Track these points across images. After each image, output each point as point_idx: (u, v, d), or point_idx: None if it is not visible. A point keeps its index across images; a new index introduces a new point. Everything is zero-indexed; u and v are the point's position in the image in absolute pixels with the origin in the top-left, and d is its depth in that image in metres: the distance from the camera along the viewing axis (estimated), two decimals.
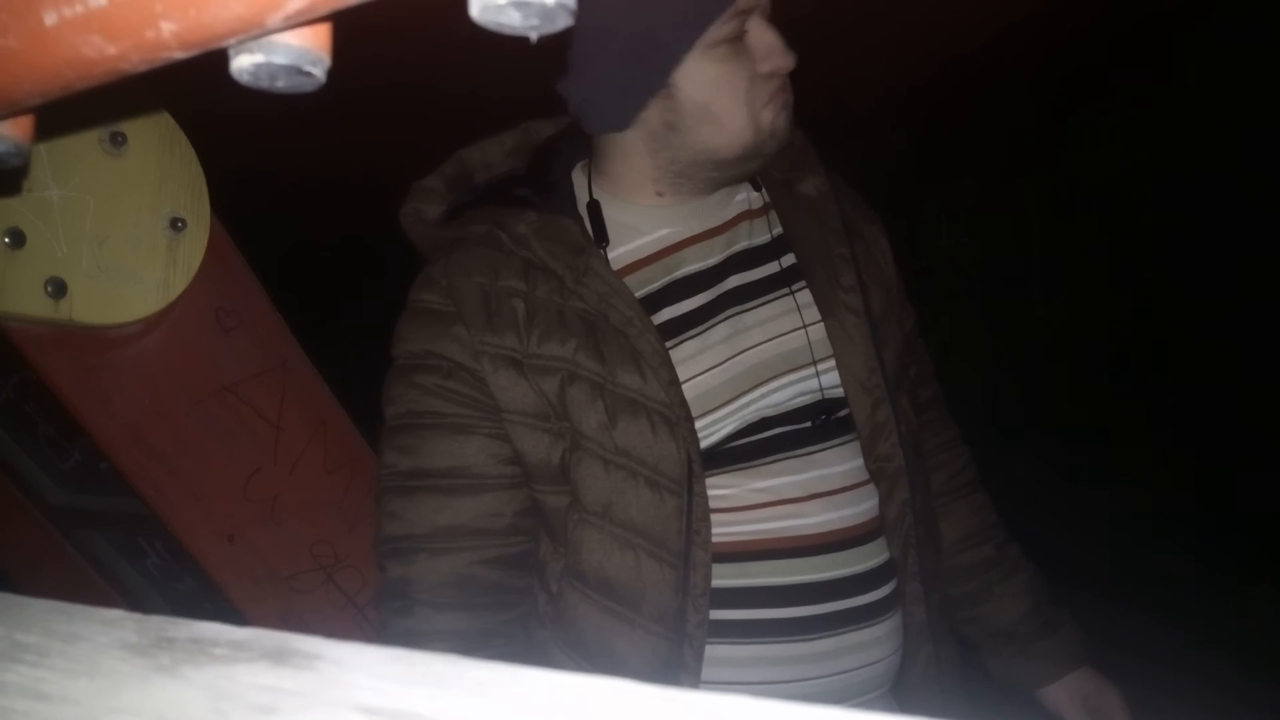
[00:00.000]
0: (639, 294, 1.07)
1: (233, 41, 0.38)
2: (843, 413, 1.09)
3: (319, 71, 0.39)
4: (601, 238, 1.09)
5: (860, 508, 1.08)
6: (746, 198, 1.16)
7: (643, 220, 1.12)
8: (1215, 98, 4.52)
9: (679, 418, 1.02)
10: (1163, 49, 4.15)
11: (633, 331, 1.03)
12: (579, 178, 1.16)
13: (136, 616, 0.36)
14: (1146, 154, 4.94)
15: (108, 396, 1.12)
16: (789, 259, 1.13)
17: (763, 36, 1.04)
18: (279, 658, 0.33)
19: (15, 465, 1.40)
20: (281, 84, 0.39)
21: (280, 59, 0.38)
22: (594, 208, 1.12)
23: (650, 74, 1.05)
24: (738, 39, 1.04)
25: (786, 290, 1.10)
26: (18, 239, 0.98)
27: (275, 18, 0.36)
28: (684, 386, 1.04)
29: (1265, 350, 4.38)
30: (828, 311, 1.10)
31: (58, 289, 1.01)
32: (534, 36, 0.36)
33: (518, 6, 0.33)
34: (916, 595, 1.10)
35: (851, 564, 1.05)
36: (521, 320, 1.04)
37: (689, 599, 1.01)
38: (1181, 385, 4.69)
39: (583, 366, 1.02)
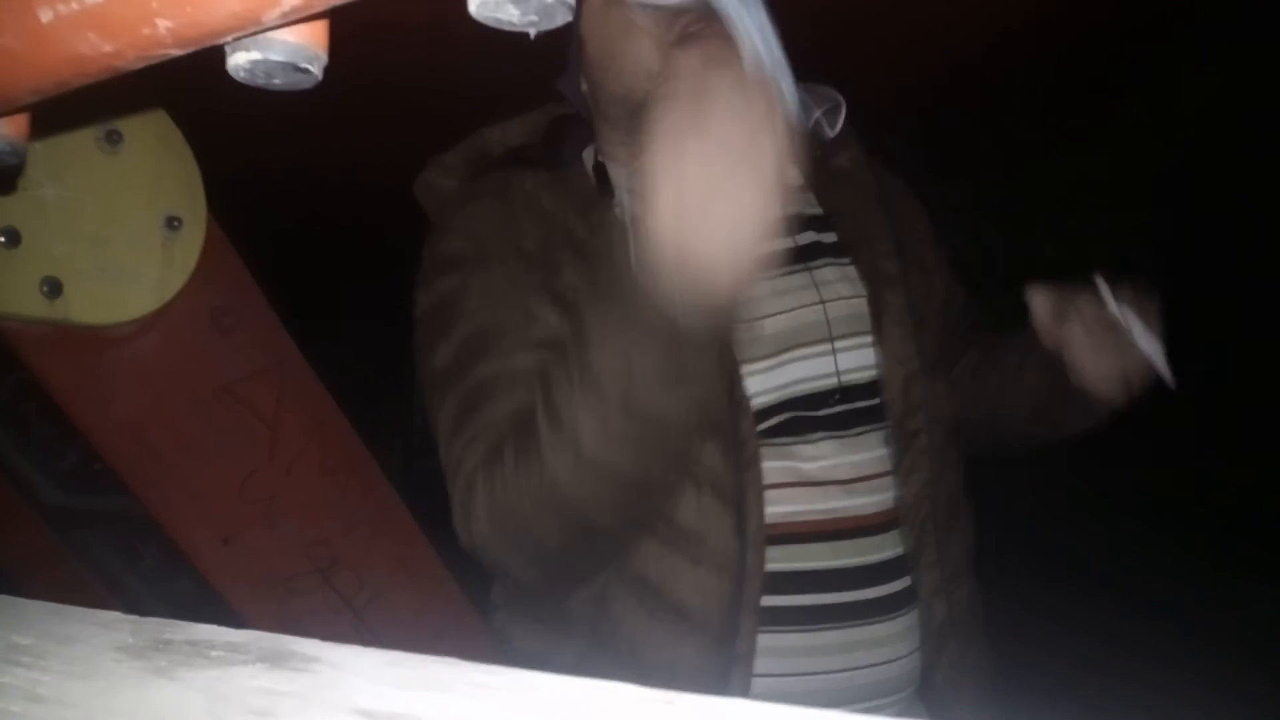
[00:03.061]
0: None
1: (229, 38, 0.38)
2: (871, 400, 1.06)
3: (316, 68, 0.39)
4: (608, 193, 1.08)
5: (875, 498, 1.05)
6: None
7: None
8: (1220, 99, 4.54)
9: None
10: (1168, 50, 4.17)
11: None
12: (588, 155, 1.16)
13: (133, 618, 0.36)
14: (1152, 155, 4.95)
15: (103, 396, 1.12)
16: (828, 236, 1.11)
17: None
18: (276, 660, 0.32)
19: (11, 465, 1.40)
20: (278, 81, 0.39)
21: (277, 56, 0.38)
22: (600, 169, 1.11)
23: (570, 35, 1.06)
24: None
25: (802, 265, 1.08)
26: (13, 238, 0.98)
27: (272, 14, 0.35)
28: None
29: (1266, 351, 4.39)
30: (868, 282, 1.08)
31: (53, 288, 1.01)
32: (533, 33, 0.35)
33: (516, 2, 0.33)
34: (934, 587, 1.06)
35: (860, 554, 1.03)
36: (546, 257, 1.02)
37: (748, 544, 0.98)
38: (1182, 385, 4.70)
39: None
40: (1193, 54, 4.22)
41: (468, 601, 1.44)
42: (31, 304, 1.00)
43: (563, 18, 0.34)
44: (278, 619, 1.26)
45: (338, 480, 1.31)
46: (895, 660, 1.04)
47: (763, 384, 1.03)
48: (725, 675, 0.98)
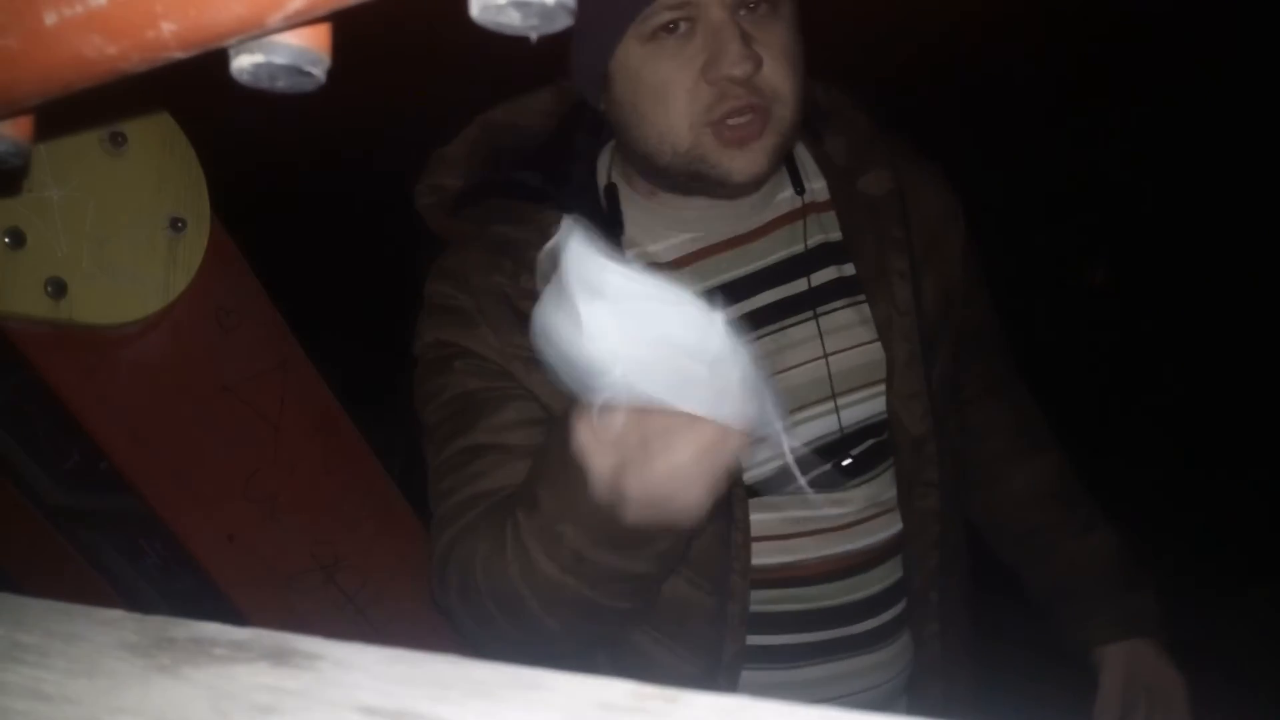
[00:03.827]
0: None
1: (233, 41, 0.38)
2: (873, 441, 1.03)
3: (319, 71, 0.39)
4: (616, 226, 1.00)
5: (876, 538, 1.03)
6: (790, 196, 1.04)
7: (656, 221, 1.02)
8: (1216, 100, 4.53)
9: None
10: (1163, 50, 4.16)
11: None
12: (605, 157, 1.07)
13: (137, 617, 0.36)
14: (1149, 155, 4.94)
15: (108, 396, 1.12)
16: (848, 268, 1.03)
17: (714, 34, 0.89)
18: (279, 658, 0.32)
19: (15, 465, 1.40)
20: (281, 84, 0.39)
21: (280, 59, 0.38)
22: (611, 192, 1.02)
23: (592, 62, 0.96)
24: (679, 30, 0.90)
25: (810, 314, 1.02)
26: (18, 239, 0.98)
27: (275, 18, 0.36)
28: None
29: (1264, 351, 4.38)
30: (882, 333, 1.01)
31: (58, 289, 1.01)
32: (534, 36, 0.36)
33: (518, 6, 0.34)
34: (933, 634, 1.06)
35: (855, 591, 1.02)
36: None
37: (726, 628, 0.97)
38: (1181, 385, 4.69)
39: None
40: (1188, 54, 4.21)
41: None
42: (36, 304, 1.01)
43: (563, 22, 0.34)
44: (281, 616, 1.26)
45: (340, 478, 1.31)
46: (881, 685, 1.04)
47: (760, 454, 0.97)
48: (710, 686, 0.98)
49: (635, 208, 1.02)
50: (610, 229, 0.99)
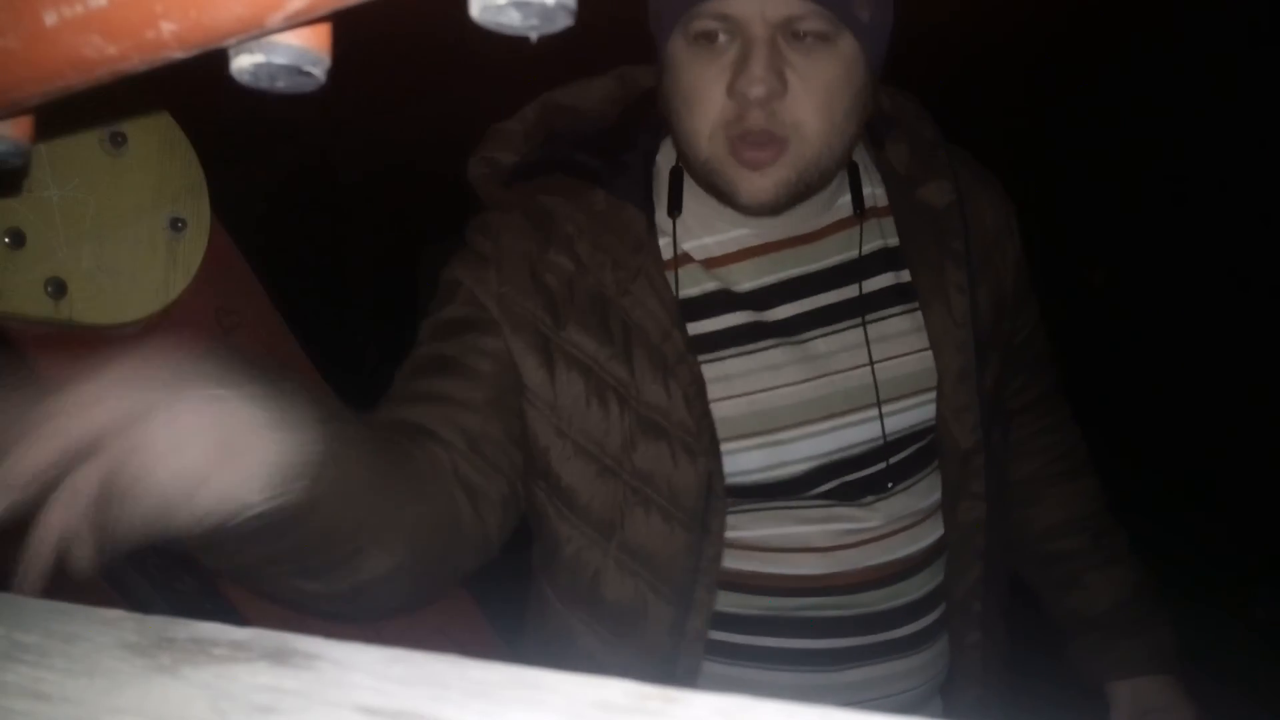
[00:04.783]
0: (695, 293, 0.99)
1: (233, 41, 0.38)
2: (916, 447, 1.02)
3: (319, 71, 0.39)
4: (676, 208, 1.00)
5: (918, 545, 1.03)
6: (849, 202, 1.04)
7: (714, 214, 1.02)
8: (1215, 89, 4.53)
9: (703, 449, 0.94)
10: (1157, 39, 4.16)
11: (669, 349, 0.95)
12: (669, 146, 1.06)
13: (136, 616, 0.36)
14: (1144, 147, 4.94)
15: None
16: (904, 275, 1.03)
17: (742, 52, 0.88)
18: (279, 658, 0.33)
19: None
20: (282, 84, 0.39)
21: (280, 59, 0.38)
22: (676, 177, 1.02)
23: (658, 41, 0.97)
24: (719, 40, 0.90)
25: (859, 321, 1.01)
26: (18, 239, 0.98)
27: (275, 18, 0.36)
28: (723, 404, 0.97)
29: (1263, 350, 4.38)
30: (936, 343, 1.01)
31: (58, 289, 1.01)
32: (534, 37, 0.36)
33: (518, 6, 0.34)
34: (974, 643, 1.06)
35: (898, 597, 1.02)
36: (560, 298, 0.97)
37: (683, 642, 0.97)
38: (1179, 385, 4.69)
39: (610, 373, 0.96)
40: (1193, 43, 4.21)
41: (470, 599, 1.44)
42: (36, 304, 1.00)
43: (564, 21, 0.34)
44: (280, 616, 1.26)
45: None
46: (918, 688, 1.04)
47: (806, 450, 0.99)
48: None
49: (695, 199, 1.02)
50: (671, 207, 1.00)
